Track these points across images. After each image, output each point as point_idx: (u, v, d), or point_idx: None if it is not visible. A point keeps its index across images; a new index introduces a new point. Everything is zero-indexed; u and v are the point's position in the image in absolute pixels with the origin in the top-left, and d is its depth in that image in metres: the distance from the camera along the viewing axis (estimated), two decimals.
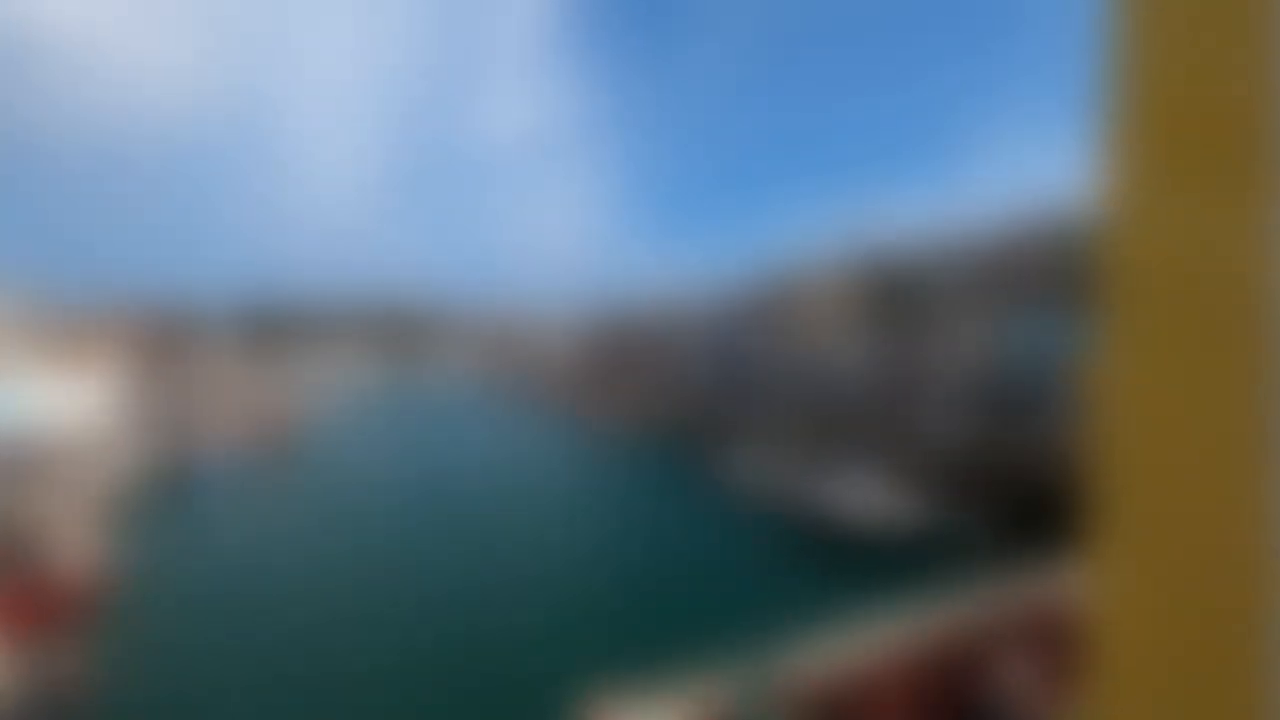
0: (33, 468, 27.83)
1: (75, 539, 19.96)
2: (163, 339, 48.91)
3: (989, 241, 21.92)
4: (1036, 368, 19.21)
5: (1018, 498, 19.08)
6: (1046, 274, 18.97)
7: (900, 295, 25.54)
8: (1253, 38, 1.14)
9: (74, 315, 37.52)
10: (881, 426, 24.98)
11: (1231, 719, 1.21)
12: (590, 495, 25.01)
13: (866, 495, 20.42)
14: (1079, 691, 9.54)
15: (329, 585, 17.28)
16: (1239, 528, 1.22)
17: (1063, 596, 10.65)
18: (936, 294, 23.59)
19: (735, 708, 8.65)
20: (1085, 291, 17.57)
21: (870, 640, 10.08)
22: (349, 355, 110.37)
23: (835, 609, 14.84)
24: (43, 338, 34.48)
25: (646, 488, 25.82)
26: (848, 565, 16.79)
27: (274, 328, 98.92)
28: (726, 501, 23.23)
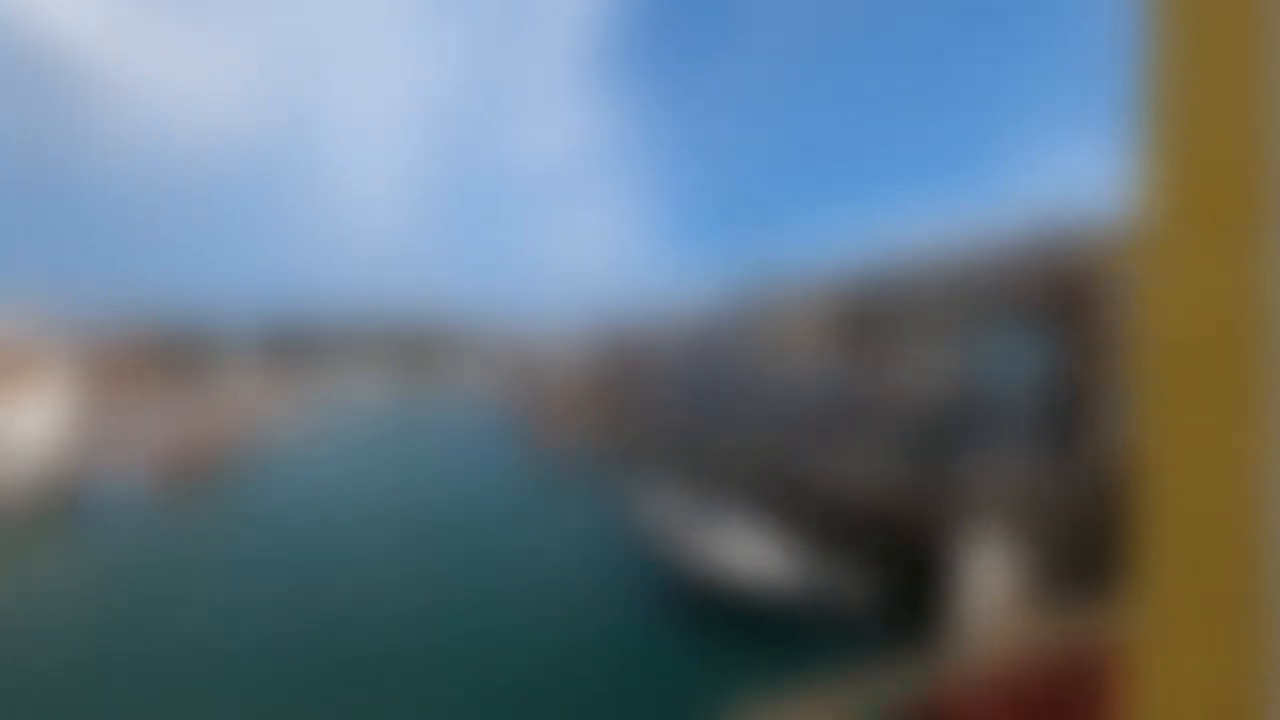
0: None
1: None
2: (114, 361, 46.75)
3: (966, 261, 20.54)
4: (1000, 399, 17.98)
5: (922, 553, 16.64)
6: (1028, 297, 18.38)
7: (869, 322, 24.01)
8: (1274, 80, 1.18)
9: (24, 332, 35.72)
10: (800, 473, 22.41)
11: None
12: (502, 532, 23.39)
13: (748, 550, 18.30)
14: None
15: (221, 634, 15.40)
16: (1260, 554, 1.23)
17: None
18: (907, 319, 22.13)
19: None
20: (1069, 315, 17.09)
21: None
22: (353, 377, 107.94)
23: (721, 680, 13.41)
24: None
25: (570, 524, 24.26)
26: (728, 629, 15.43)
27: (282, 349, 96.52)
28: (631, 543, 21.70)
